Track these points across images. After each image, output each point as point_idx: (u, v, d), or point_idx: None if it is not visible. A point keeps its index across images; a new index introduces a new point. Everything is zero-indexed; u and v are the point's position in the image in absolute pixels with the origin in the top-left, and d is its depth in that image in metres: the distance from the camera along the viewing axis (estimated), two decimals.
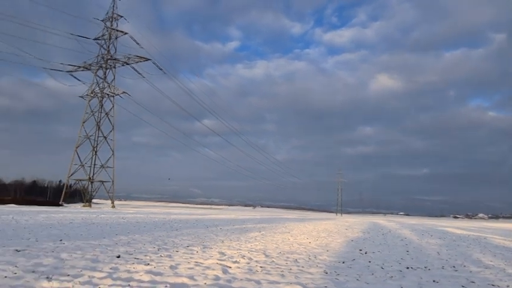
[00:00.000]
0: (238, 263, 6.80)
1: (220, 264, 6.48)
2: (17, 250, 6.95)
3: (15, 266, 5.42)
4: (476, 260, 8.86)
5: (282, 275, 5.76)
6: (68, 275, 5.03)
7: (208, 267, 6.11)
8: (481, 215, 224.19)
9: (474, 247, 12.56)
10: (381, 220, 59.97)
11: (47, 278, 4.81)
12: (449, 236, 18.98)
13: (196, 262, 6.61)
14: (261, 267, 6.44)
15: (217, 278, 5.35)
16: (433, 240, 14.88)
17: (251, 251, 8.67)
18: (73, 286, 4.52)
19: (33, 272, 5.13)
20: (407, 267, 7.17)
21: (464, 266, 7.72)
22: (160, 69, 59.32)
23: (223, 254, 7.90)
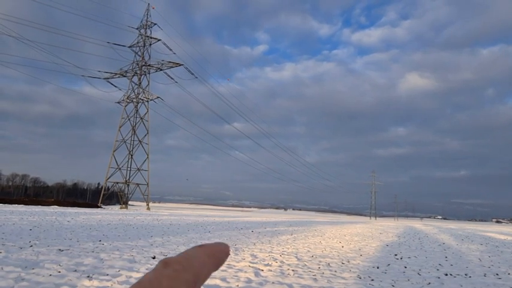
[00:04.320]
0: (270, 266, 6.81)
1: (252, 267, 6.52)
2: (60, 250, 7.33)
3: (59, 265, 5.72)
4: None
5: (315, 279, 5.71)
6: (107, 275, 5.25)
7: (240, 270, 6.16)
8: None
9: None
10: (417, 224, 57.92)
11: (88, 277, 5.04)
12: (492, 241, 18.02)
13: (228, 264, 6.68)
14: (293, 270, 6.42)
15: (249, 280, 5.39)
16: (474, 246, 14.20)
17: (283, 254, 8.66)
18: (112, 285, 4.71)
19: (75, 271, 5.39)
20: (446, 274, 6.89)
21: (509, 274, 7.32)
22: (192, 73, 60.52)
23: (255, 256, 7.94)
